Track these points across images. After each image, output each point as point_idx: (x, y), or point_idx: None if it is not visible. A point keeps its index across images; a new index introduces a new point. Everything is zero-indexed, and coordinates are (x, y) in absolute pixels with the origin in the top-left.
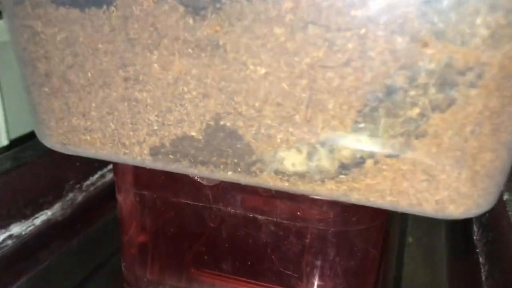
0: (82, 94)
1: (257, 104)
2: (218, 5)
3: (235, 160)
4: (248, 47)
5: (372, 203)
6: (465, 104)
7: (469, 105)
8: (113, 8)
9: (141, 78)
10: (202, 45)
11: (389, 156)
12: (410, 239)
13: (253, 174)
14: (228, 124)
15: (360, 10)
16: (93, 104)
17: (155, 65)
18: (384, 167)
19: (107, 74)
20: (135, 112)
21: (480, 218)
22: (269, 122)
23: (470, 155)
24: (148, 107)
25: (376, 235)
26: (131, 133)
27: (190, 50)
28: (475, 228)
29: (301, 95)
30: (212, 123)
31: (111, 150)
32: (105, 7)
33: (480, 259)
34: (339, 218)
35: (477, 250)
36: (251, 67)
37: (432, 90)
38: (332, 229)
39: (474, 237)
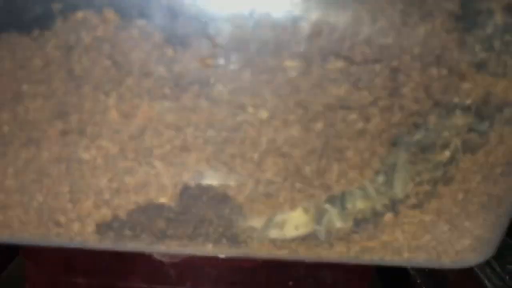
0: None
1: (255, 156)
2: (211, 31)
3: (220, 230)
4: (248, 85)
5: (387, 262)
6: (498, 144)
7: (502, 144)
8: (49, 33)
9: (89, 130)
10: (184, 83)
11: (412, 207)
12: None
13: (242, 244)
14: (214, 184)
15: (391, 38)
16: (10, 170)
17: (113, 111)
18: (405, 220)
19: (36, 127)
20: (76, 178)
21: None
22: (270, 177)
23: (496, 198)
24: (98, 169)
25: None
26: (69, 206)
27: (166, 91)
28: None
29: (314, 142)
30: (191, 184)
31: (36, 231)
32: (36, 32)
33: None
34: (335, 283)
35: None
36: (251, 109)
37: (465, 130)
38: None
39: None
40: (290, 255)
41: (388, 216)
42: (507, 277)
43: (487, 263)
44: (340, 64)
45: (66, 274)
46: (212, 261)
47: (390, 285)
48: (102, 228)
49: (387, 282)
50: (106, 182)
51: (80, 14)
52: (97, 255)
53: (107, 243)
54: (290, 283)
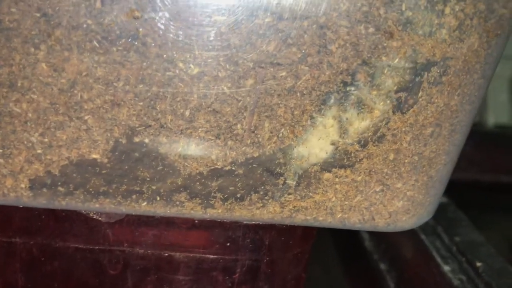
0: None
1: (187, 113)
2: None
3: (153, 187)
4: (177, 39)
5: (320, 223)
6: (427, 104)
7: (431, 104)
8: None
9: (19, 83)
10: (113, 36)
11: (342, 166)
12: None
13: (177, 203)
14: (146, 140)
15: None
16: None
17: (42, 64)
18: (336, 179)
19: None
20: (7, 132)
21: None
22: (203, 134)
23: (427, 160)
24: (29, 123)
25: (307, 257)
26: (0, 161)
27: (95, 44)
28: (364, 235)
29: (245, 99)
30: (123, 140)
31: None
32: None
33: (382, 266)
34: (274, 244)
35: (375, 257)
36: (181, 65)
37: (394, 88)
38: (267, 258)
39: (366, 244)
40: (225, 215)
41: (320, 175)
42: (454, 248)
43: (437, 235)
44: (268, 19)
45: (2, 234)
46: (151, 220)
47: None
48: (36, 184)
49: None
50: (38, 136)
51: None
52: (34, 215)
53: (41, 200)
54: (227, 244)
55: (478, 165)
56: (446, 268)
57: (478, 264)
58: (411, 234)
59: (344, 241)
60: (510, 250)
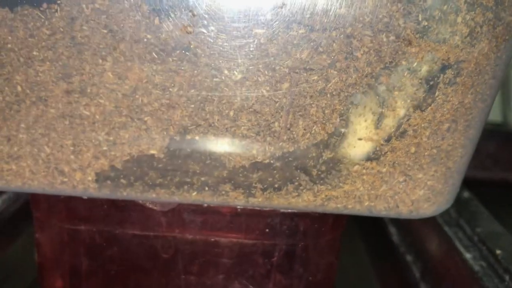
0: (7, 113)
1: (231, 113)
2: (191, 2)
3: (202, 179)
4: (223, 50)
5: (349, 211)
6: (444, 102)
7: (447, 102)
8: (55, 6)
9: (88, 90)
10: (169, 48)
11: (369, 159)
12: None
13: (222, 193)
14: (196, 137)
15: (346, 9)
16: (23, 125)
17: (109, 73)
18: (364, 171)
19: (44, 87)
20: (78, 132)
21: (395, 219)
22: (245, 132)
23: (445, 152)
24: (96, 124)
25: (338, 245)
26: (72, 157)
27: (153, 55)
28: (391, 230)
29: (282, 100)
30: (177, 138)
31: (44, 180)
32: (45, 5)
33: (408, 258)
34: (308, 231)
35: (401, 250)
36: (226, 72)
37: (414, 89)
38: (302, 243)
39: (393, 238)
40: (264, 203)
41: (349, 167)
42: (476, 238)
43: (460, 227)
44: (302, 31)
45: (69, 222)
46: (199, 208)
47: (374, 254)
48: (101, 177)
49: (373, 254)
50: (104, 135)
51: None
52: (96, 205)
53: (105, 191)
54: (266, 230)
55: (503, 164)
56: (468, 255)
57: (498, 251)
58: (435, 226)
59: (372, 236)
60: None
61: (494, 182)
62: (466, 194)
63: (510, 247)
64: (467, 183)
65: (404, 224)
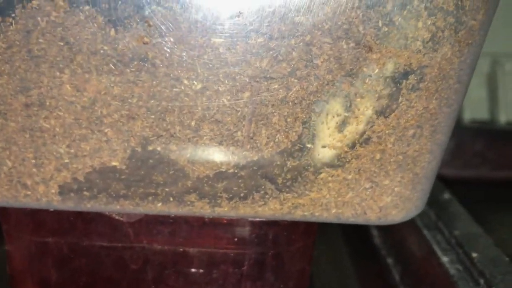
0: None
1: (193, 123)
2: (146, 13)
3: (167, 189)
4: (181, 60)
5: (317, 218)
6: (408, 108)
7: (411, 108)
8: (10, 20)
9: (47, 102)
10: (126, 59)
11: (334, 166)
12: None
13: (188, 203)
14: (158, 148)
15: (305, 16)
16: None
17: (67, 86)
18: (329, 178)
19: (2, 101)
20: (39, 145)
21: None
22: (208, 142)
23: (411, 158)
24: (57, 137)
25: (310, 251)
26: (34, 170)
27: (111, 66)
28: (373, 232)
29: (243, 109)
30: (138, 149)
31: (7, 194)
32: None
33: (389, 261)
34: (278, 239)
35: (383, 253)
36: (186, 82)
37: (376, 96)
38: (272, 251)
39: (375, 241)
40: (231, 213)
41: (314, 175)
42: (453, 241)
43: (439, 230)
44: (260, 39)
45: (37, 235)
46: (166, 219)
47: (356, 256)
48: (64, 189)
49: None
50: (65, 148)
51: (35, 2)
52: (63, 217)
53: (69, 204)
54: (235, 239)
55: (491, 163)
56: (445, 259)
57: (474, 254)
58: (415, 229)
59: (354, 238)
60: None
61: (481, 181)
62: (446, 195)
63: (486, 250)
64: (454, 182)
65: (385, 226)
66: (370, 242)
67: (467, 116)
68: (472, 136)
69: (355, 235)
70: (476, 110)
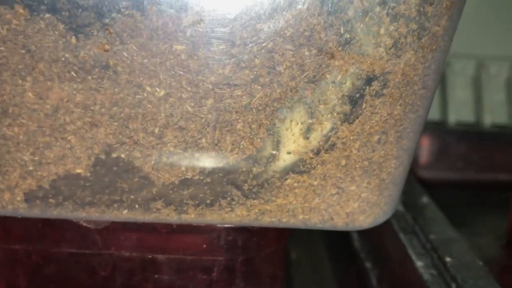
0: None
1: (156, 130)
2: (106, 21)
3: (132, 197)
4: (143, 67)
5: (285, 224)
6: (372, 114)
7: (375, 114)
8: None
9: (10, 110)
10: (88, 67)
11: (299, 172)
12: (294, 255)
13: (154, 210)
14: (122, 155)
15: (266, 23)
16: None
17: (29, 93)
18: (295, 184)
19: None
20: (3, 152)
21: None
22: (172, 149)
23: (377, 164)
24: (21, 144)
25: (281, 257)
26: None
27: (73, 74)
28: (353, 235)
29: (207, 116)
30: (102, 156)
31: None
32: None
33: (367, 265)
34: (248, 245)
35: (362, 256)
36: (148, 88)
37: (340, 102)
38: (241, 257)
39: (355, 244)
40: (197, 219)
41: (280, 181)
42: (429, 245)
43: (415, 234)
44: (222, 46)
45: (5, 242)
46: (134, 226)
47: (336, 260)
48: (30, 197)
49: (335, 261)
50: (29, 155)
51: None
52: (31, 224)
53: (36, 211)
54: (204, 246)
55: (476, 165)
56: (419, 263)
57: (448, 259)
58: (392, 233)
59: (335, 242)
60: (507, 246)
61: (466, 184)
62: (425, 199)
63: (460, 254)
64: (439, 185)
65: (365, 230)
66: (350, 245)
67: (452, 118)
68: (457, 138)
69: (336, 238)
70: (461, 113)
